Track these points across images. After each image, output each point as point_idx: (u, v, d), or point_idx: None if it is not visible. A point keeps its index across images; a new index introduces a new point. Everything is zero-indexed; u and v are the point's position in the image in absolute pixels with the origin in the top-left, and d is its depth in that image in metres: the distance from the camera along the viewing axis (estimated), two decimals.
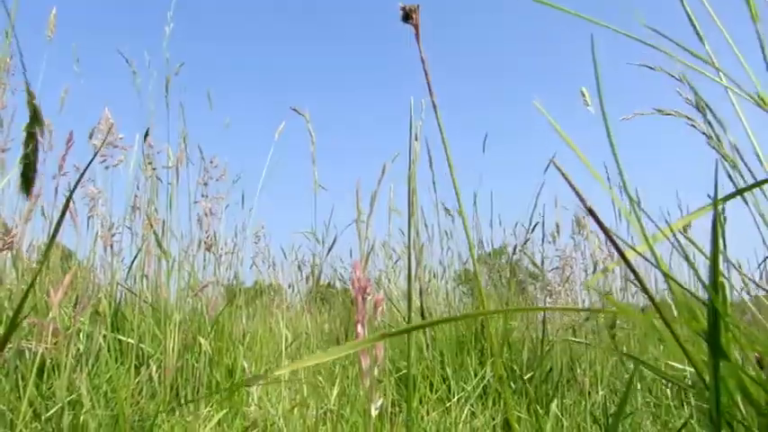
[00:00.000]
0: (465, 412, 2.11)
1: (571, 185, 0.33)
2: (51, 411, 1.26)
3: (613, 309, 0.43)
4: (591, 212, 0.33)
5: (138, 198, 2.04)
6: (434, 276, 3.16)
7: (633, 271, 0.45)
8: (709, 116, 0.95)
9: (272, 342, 2.60)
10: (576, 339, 1.84)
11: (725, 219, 1.43)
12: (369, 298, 0.62)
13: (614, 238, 0.42)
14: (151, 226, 2.04)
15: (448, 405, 2.18)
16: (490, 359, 2.48)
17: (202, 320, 2.38)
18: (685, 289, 0.43)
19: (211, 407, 1.95)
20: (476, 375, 2.42)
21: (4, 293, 1.89)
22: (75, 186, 0.56)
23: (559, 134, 0.46)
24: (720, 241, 0.40)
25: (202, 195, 2.03)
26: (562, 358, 2.45)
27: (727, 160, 1.02)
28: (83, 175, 0.64)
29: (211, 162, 2.01)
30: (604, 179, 0.43)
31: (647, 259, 0.45)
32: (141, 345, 2.11)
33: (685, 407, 2.24)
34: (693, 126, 1.30)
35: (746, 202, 0.70)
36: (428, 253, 3.17)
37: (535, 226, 2.34)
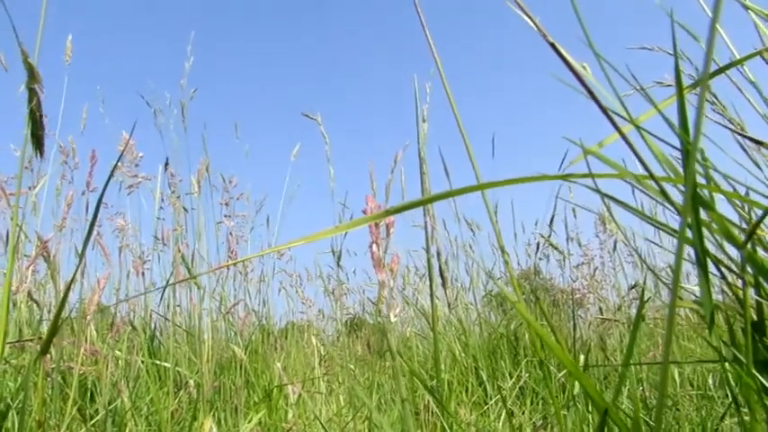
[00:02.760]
0: (504, 412, 2.10)
1: (524, 11, 0.37)
2: (96, 418, 1.31)
3: (598, 173, 0.47)
4: (553, 47, 0.37)
5: (164, 225, 2.12)
6: (462, 288, 3.17)
7: (626, 139, 0.49)
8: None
9: (306, 362, 2.62)
10: (606, 317, 1.83)
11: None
12: (381, 223, 0.66)
13: (600, 101, 0.46)
14: (179, 251, 2.11)
15: (486, 408, 2.17)
16: (524, 359, 2.47)
17: (237, 343, 2.42)
18: (659, 138, 0.46)
19: (249, 421, 1.97)
20: (510, 377, 2.40)
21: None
22: (101, 197, 0.61)
23: (527, 17, 0.51)
24: (685, 95, 0.44)
25: (225, 216, 2.10)
26: (597, 354, 2.43)
27: (724, 116, 1.06)
28: (106, 186, 0.70)
29: (230, 182, 2.09)
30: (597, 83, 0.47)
31: (636, 125, 0.48)
32: (178, 369, 2.15)
33: (729, 395, 2.19)
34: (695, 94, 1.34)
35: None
36: (460, 262, 3.20)
37: (553, 218, 2.35)
